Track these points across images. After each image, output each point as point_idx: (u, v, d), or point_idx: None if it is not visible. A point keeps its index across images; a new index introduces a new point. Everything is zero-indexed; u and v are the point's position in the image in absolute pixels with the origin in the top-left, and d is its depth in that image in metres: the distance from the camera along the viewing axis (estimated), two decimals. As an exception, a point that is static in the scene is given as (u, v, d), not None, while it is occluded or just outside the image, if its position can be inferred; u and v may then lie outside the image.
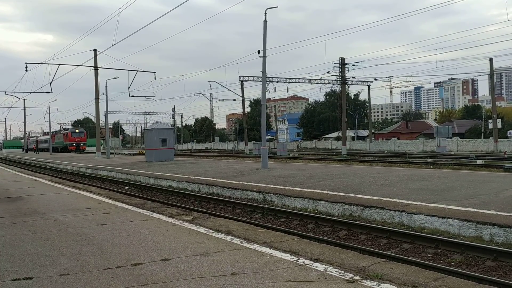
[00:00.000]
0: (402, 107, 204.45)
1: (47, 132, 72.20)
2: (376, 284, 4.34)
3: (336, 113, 78.29)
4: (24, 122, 73.76)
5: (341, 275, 4.62)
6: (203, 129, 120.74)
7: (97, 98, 39.60)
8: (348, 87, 50.72)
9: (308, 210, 10.46)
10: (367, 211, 9.22)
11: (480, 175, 14.98)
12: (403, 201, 9.56)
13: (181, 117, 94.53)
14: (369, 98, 57.32)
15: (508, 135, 49.85)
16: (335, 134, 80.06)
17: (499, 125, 45.25)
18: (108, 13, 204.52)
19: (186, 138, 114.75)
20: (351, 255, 5.76)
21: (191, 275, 4.66)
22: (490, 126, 45.59)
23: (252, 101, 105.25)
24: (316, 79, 48.85)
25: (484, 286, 4.66)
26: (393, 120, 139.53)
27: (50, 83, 38.26)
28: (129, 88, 40.05)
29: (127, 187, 18.14)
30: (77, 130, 71.95)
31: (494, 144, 42.48)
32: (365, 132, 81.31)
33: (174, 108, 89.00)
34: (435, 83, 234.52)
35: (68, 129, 76.47)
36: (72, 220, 8.31)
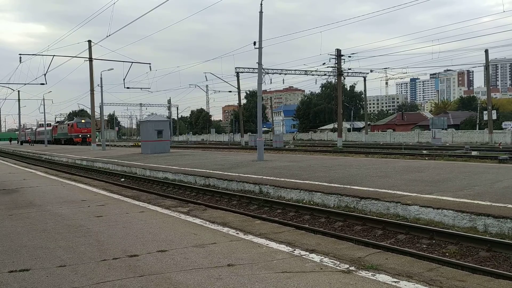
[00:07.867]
0: (397, 98, 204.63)
1: (47, 123, 69.91)
2: (371, 274, 4.37)
3: (332, 105, 78.29)
4: (19, 114, 73.31)
5: (336, 266, 4.65)
6: (199, 121, 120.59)
7: (92, 90, 39.41)
8: (344, 78, 50.78)
9: (304, 201, 10.49)
10: (363, 203, 9.26)
11: (475, 166, 15.06)
12: (398, 192, 9.60)
13: (177, 109, 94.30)
14: (364, 90, 57.32)
15: (503, 127, 50.15)
16: (331, 126, 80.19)
17: (494, 117, 45.41)
18: (102, 4, 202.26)
19: (182, 130, 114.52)
20: (346, 246, 5.80)
21: (188, 266, 4.68)
22: (485, 117, 45.77)
23: (248, 92, 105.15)
24: (312, 71, 48.84)
25: (478, 276, 4.71)
26: (389, 111, 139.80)
27: (45, 75, 38.04)
28: (124, 79, 39.97)
29: (123, 179, 18.11)
30: (83, 121, 65.46)
31: (489, 135, 42.65)
32: (360, 124, 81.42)
33: (170, 99, 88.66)
34: (430, 74, 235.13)
35: (73, 119, 70.96)
36: (68, 212, 8.30)
